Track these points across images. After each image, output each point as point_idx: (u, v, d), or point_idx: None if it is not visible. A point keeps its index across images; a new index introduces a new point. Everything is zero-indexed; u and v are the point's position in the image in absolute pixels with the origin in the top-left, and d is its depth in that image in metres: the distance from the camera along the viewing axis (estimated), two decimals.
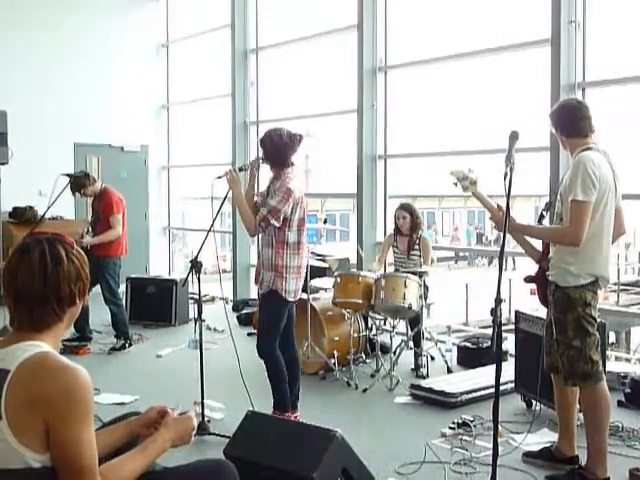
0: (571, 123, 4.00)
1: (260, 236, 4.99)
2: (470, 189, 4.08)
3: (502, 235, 3.47)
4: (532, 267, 4.29)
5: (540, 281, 4.13)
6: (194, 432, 2.50)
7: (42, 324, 2.19)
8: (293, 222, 4.87)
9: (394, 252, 7.09)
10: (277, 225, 4.80)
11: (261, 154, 5.02)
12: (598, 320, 4.02)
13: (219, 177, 4.92)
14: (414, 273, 6.38)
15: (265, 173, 5.48)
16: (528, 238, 4.20)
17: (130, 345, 7.55)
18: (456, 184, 4.16)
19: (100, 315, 7.97)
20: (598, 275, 3.91)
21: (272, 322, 4.97)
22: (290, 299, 4.92)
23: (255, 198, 5.09)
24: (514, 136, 3.57)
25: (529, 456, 4.38)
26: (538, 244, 4.27)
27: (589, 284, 3.89)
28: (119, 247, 7.42)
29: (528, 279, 4.25)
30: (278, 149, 4.88)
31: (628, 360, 7.56)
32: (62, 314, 2.23)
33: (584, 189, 3.75)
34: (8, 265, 2.21)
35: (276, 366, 5.00)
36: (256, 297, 8.29)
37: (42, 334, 2.19)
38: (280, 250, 4.85)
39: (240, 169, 5.01)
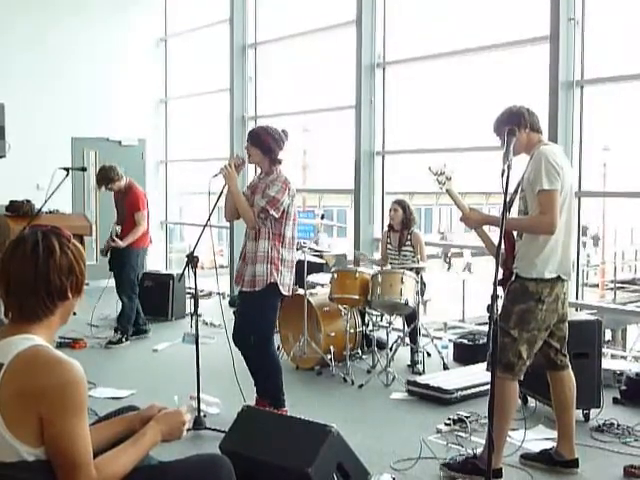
0: (534, 118, 4.06)
1: (248, 231, 4.99)
2: (446, 185, 4.11)
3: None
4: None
5: (506, 283, 4.12)
6: (186, 427, 2.50)
7: (33, 316, 2.19)
8: (290, 215, 4.89)
9: (387, 248, 7.15)
10: (276, 216, 4.81)
11: (245, 156, 5.04)
12: (551, 326, 4.01)
13: (215, 175, 4.91)
14: (411, 269, 6.39)
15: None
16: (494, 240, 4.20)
17: (127, 340, 7.55)
18: (436, 180, 4.18)
19: (97, 309, 7.96)
20: (560, 270, 3.94)
21: (270, 320, 5.00)
22: (285, 292, 4.93)
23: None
24: (512, 133, 3.57)
25: (527, 458, 4.32)
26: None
27: (550, 279, 3.92)
28: (143, 239, 7.57)
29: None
30: (271, 143, 4.89)
31: (624, 358, 7.58)
32: (53, 307, 2.22)
33: (549, 178, 3.82)
34: (3, 256, 2.22)
35: (276, 362, 5.04)
36: None
37: (34, 327, 2.19)
38: (277, 243, 4.86)
39: (236, 164, 4.97)
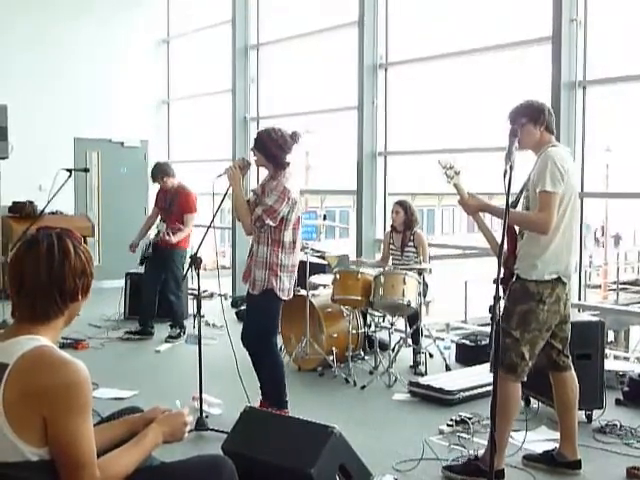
0: (551, 119, 4.06)
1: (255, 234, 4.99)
2: (454, 179, 4.11)
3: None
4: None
5: (507, 283, 4.11)
6: (187, 428, 2.51)
7: (43, 317, 2.20)
8: (289, 222, 4.85)
9: (390, 249, 7.13)
10: (272, 225, 4.78)
11: (250, 158, 5.02)
12: (552, 326, 4.00)
13: (219, 175, 4.89)
14: (412, 269, 6.39)
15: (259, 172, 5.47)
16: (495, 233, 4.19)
17: (185, 333, 7.70)
18: (445, 173, 4.18)
19: (98, 309, 7.96)
20: (560, 272, 3.93)
21: (271, 323, 5.01)
22: (284, 297, 4.92)
23: (247, 196, 5.09)
24: (514, 134, 3.57)
25: (530, 459, 4.31)
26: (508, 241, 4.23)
27: (550, 281, 3.92)
28: (186, 240, 7.72)
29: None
30: (274, 149, 4.85)
31: (627, 359, 7.58)
32: (64, 308, 2.24)
33: (552, 181, 3.82)
34: (15, 256, 2.22)
35: (278, 364, 5.04)
36: None
37: (42, 327, 2.20)
38: (276, 249, 4.83)
39: (241, 166, 4.95)
